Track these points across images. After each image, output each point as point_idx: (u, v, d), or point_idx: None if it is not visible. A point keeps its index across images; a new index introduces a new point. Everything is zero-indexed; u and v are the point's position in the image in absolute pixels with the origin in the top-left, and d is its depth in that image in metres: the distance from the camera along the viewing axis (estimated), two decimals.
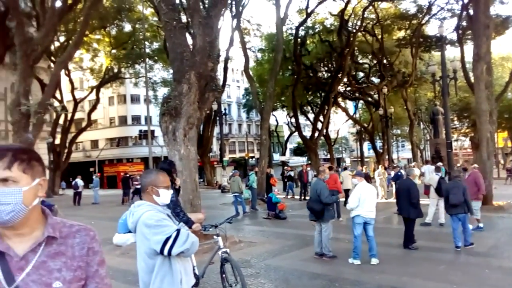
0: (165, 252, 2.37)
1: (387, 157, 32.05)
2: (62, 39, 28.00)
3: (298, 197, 20.27)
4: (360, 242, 7.09)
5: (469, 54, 18.25)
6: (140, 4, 28.23)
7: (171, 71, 32.24)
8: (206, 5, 12.71)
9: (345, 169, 19.60)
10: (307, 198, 19.47)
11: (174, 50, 9.98)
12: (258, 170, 18.49)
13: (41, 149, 22.70)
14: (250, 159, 46.76)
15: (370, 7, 29.06)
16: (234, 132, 60.13)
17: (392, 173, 17.64)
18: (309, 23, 30.51)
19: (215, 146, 47.86)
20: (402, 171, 16.76)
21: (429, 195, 11.02)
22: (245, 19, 30.82)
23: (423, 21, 28.77)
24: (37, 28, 23.59)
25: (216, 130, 37.31)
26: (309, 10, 27.74)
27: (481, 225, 9.95)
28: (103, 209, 19.00)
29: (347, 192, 16.46)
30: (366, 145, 54.41)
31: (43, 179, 1.34)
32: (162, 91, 35.28)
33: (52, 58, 27.28)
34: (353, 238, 7.20)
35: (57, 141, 31.39)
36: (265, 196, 17.81)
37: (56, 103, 24.32)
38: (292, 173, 24.72)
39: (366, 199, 7.06)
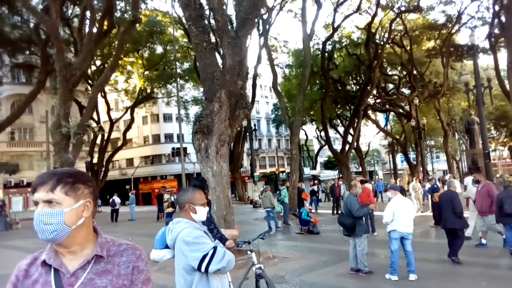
0: (202, 269, 2.43)
1: (421, 169, 31.21)
2: (98, 62, 29.32)
3: (329, 211, 20.06)
4: (397, 257, 6.94)
5: (503, 61, 17.75)
6: (171, 27, 29.31)
7: (202, 90, 33.07)
8: (235, 26, 13.09)
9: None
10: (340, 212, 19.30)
11: (205, 70, 10.30)
12: (289, 184, 18.48)
13: (80, 168, 23.55)
14: (281, 174, 46.68)
15: (398, 19, 28.83)
16: (264, 147, 60.35)
17: (427, 186, 17.17)
18: (335, 37, 30.59)
19: (246, 162, 48.17)
20: (438, 183, 16.28)
21: (469, 207, 10.67)
22: (272, 36, 31.34)
23: (453, 30, 28.22)
24: (74, 54, 24.96)
25: (246, 145, 37.66)
26: (335, 25, 27.86)
27: (484, 241, 9.55)
28: (140, 225, 19.45)
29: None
30: (399, 157, 53.20)
31: (88, 200, 1.41)
32: (193, 110, 36.12)
33: (89, 81, 28.58)
34: (390, 253, 7.08)
35: (95, 160, 32.64)
36: (297, 210, 17.77)
37: (94, 124, 25.36)
38: (315, 188, 24.45)
39: (402, 213, 6.90)
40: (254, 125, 34.28)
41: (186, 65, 33.56)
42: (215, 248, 2.47)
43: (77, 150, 15.73)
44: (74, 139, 15.08)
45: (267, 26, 25.04)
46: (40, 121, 33.94)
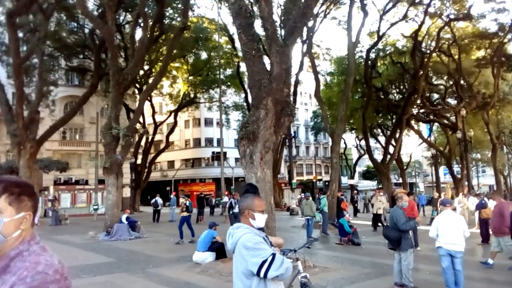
0: (261, 274, 2.48)
1: (466, 183, 29.90)
2: (145, 67, 30.49)
3: (368, 223, 19.67)
4: (450, 274, 6.61)
5: None
6: (216, 34, 30.02)
7: (243, 96, 33.55)
8: (283, 34, 13.26)
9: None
10: (380, 224, 18.85)
11: (252, 78, 10.51)
12: (329, 193, 18.34)
13: (125, 168, 24.61)
14: (318, 182, 46.26)
15: (446, 27, 27.95)
16: (302, 155, 60.07)
17: (472, 200, 16.48)
18: (380, 45, 30.09)
19: (283, 168, 48.16)
20: (486, 199, 15.58)
21: None
22: (315, 43, 31.27)
23: (505, 40, 26.97)
24: (124, 59, 26.14)
25: (284, 152, 37.69)
26: (380, 33, 27.42)
27: (490, 261, 9.11)
28: None
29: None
30: (442, 170, 51.20)
31: (29, 213, 1.39)
32: (234, 115, 36.71)
33: (137, 85, 29.76)
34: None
35: (139, 161, 33.84)
36: (336, 220, 17.57)
37: (139, 126, 26.35)
38: (343, 198, 24.04)
39: (447, 229, 6.62)
40: (294, 132, 34.25)
41: (228, 71, 34.18)
42: (274, 254, 2.52)
43: (125, 151, 16.44)
44: (123, 140, 15.79)
45: (311, 34, 25.07)
46: (90, 122, 35.71)
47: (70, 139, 36.99)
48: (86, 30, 26.23)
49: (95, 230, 16.30)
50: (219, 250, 9.88)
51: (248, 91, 29.59)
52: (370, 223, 19.40)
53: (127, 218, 15.47)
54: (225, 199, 24.11)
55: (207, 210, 26.62)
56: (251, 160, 9.98)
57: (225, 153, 30.84)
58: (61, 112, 32.84)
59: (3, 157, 32.49)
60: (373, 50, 29.09)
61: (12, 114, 20.98)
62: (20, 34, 21.92)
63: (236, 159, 46.43)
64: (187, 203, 14.14)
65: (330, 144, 37.25)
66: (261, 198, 3.07)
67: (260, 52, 11.02)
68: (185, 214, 13.83)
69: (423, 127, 46.83)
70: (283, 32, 13.72)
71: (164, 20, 20.90)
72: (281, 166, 42.22)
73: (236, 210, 14.76)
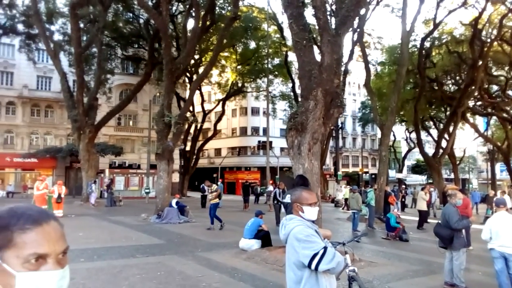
0: (312, 267, 2.50)
1: None
2: (196, 57, 31.18)
3: (417, 218, 19.05)
4: (504, 278, 6.30)
5: None
6: (265, 23, 29.99)
7: (290, 85, 33.38)
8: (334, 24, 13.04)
9: (422, 189, 18.31)
10: (429, 221, 18.23)
11: (303, 68, 10.46)
12: (376, 187, 17.98)
13: (175, 154, 25.51)
14: (364, 175, 45.29)
15: (510, 14, 26.02)
16: (348, 146, 58.97)
17: None
18: (435, 33, 28.64)
19: (328, 159, 47.61)
20: None
21: None
22: (366, 32, 30.33)
23: None
24: (176, 48, 26.88)
25: (329, 143, 37.21)
26: (437, 21, 26.07)
27: None
28: (226, 213, 20.37)
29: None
30: (498, 166, 48.24)
31: None
32: (281, 105, 36.68)
33: (187, 74, 30.53)
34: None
35: (187, 148, 34.92)
36: (382, 215, 17.22)
37: (188, 114, 27.13)
38: (391, 192, 23.29)
39: (502, 231, 6.27)
40: (341, 123, 33.69)
41: (276, 61, 34.11)
42: (325, 248, 2.52)
43: (176, 138, 17.04)
44: (174, 128, 16.37)
45: (363, 22, 24.34)
46: (143, 109, 37.40)
47: (125, 125, 38.94)
48: (141, 21, 27.29)
49: (146, 212, 17.13)
50: (264, 238, 10.06)
51: (296, 81, 29.53)
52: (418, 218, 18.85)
53: (177, 203, 16.12)
54: (270, 188, 24.33)
55: (251, 198, 26.98)
56: (299, 151, 9.99)
57: (271, 143, 31.00)
58: (117, 99, 34.67)
59: (64, 141, 34.86)
60: (428, 38, 27.76)
61: (73, 101, 22.43)
62: (81, 25, 23.18)
63: (282, 149, 46.49)
64: (219, 190, 14.49)
65: (378, 136, 36.28)
66: (312, 191, 3.09)
67: (311, 42, 10.92)
68: (215, 201, 14.00)
69: (480, 121, 44.27)
70: (333, 21, 13.51)
71: (215, 10, 21.20)
72: (327, 157, 41.76)
73: (286, 200, 14.74)
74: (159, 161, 16.59)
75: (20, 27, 26.52)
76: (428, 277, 8.13)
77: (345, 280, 5.64)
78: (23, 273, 0.86)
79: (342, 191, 26.53)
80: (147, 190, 25.97)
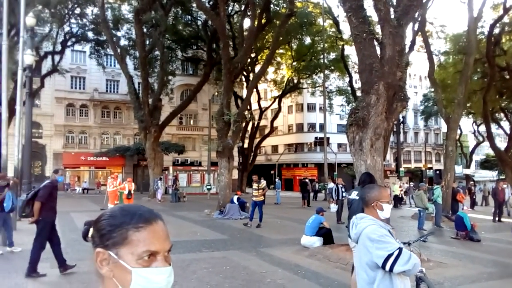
0: (387, 268, 2.42)
1: None
2: (252, 55, 31.54)
3: (489, 217, 17.85)
4: None
5: None
6: (320, 18, 29.56)
7: (347, 80, 32.61)
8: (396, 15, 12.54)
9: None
10: (503, 220, 17.02)
11: (363, 62, 10.19)
12: (443, 184, 17.08)
13: (234, 151, 26.02)
14: (428, 171, 43.12)
15: None
16: (410, 141, 56.40)
17: None
18: (506, 19, 26.41)
19: (389, 155, 45.97)
20: None
21: None
22: (428, 21, 28.75)
23: None
24: (233, 48, 27.39)
25: (390, 138, 35.79)
26: (507, 5, 24.03)
27: None
28: (285, 210, 20.53)
29: None
30: None
31: None
32: (337, 100, 36.01)
33: (244, 73, 31.00)
34: None
35: (245, 145, 35.53)
36: (449, 212, 16.35)
37: (246, 112, 27.58)
38: (459, 189, 21.74)
39: None
40: (403, 117, 32.33)
41: (332, 55, 33.50)
42: (400, 249, 2.44)
43: (236, 136, 17.40)
44: (234, 126, 16.72)
45: (425, 10, 23.11)
46: (202, 108, 38.74)
47: (186, 124, 40.60)
48: (199, 23, 28.15)
49: (209, 208, 17.72)
50: (326, 235, 9.98)
51: (354, 75, 28.80)
52: (490, 217, 17.64)
53: (238, 199, 16.50)
54: (330, 185, 24.05)
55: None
56: (361, 147, 9.78)
57: (328, 139, 30.56)
58: (178, 99, 36.21)
59: (132, 140, 37.09)
60: (498, 24, 25.67)
61: (139, 102, 23.76)
62: (144, 30, 24.46)
63: (339, 145, 45.65)
64: (266, 189, 14.08)
65: (443, 130, 34.31)
66: (387, 189, 3.03)
67: (371, 35, 10.61)
68: (261, 198, 13.40)
69: None
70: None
71: (270, 8, 21.30)
72: (387, 152, 40.33)
73: (352, 196, 14.35)
74: (220, 159, 17.06)
75: (90, 34, 28.60)
76: (505, 280, 7.63)
77: (412, 280, 5.46)
78: (138, 269, 0.90)
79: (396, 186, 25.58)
80: (208, 187, 26.83)
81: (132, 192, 16.36)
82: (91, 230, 0.99)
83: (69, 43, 28.81)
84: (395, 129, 32.32)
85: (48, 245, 6.68)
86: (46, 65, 28.41)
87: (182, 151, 35.03)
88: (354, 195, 6.00)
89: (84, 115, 36.63)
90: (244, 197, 24.45)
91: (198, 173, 33.36)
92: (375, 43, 10.65)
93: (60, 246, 6.81)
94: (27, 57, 12.70)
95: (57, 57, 27.89)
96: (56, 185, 6.99)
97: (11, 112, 15.06)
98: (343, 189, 15.94)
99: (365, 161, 9.70)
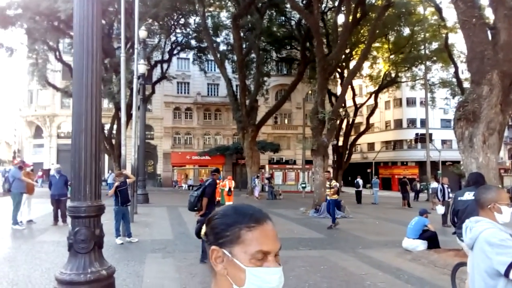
0: (511, 276, 2.20)
1: None
2: (346, 51, 30.83)
3: None
4: None
5: None
6: (420, 6, 27.66)
7: (452, 71, 30.03)
8: None
9: None
10: None
11: (473, 50, 9.34)
12: None
13: (328, 149, 25.82)
14: None
15: None
16: None
17: None
18: None
19: (502, 152, 41.08)
20: None
21: None
22: None
23: None
24: (327, 45, 27.11)
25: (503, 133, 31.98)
26: None
27: None
28: (384, 210, 19.69)
29: None
30: None
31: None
32: (440, 93, 33.35)
33: (338, 69, 30.47)
34: None
35: (339, 143, 34.89)
36: None
37: (340, 109, 27.11)
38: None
39: None
40: None
41: (434, 45, 31.15)
42: None
43: (330, 134, 17.23)
44: (328, 124, 16.57)
45: None
46: (296, 107, 39.24)
47: (281, 123, 41.50)
48: (293, 23, 28.44)
49: (304, 206, 17.81)
50: (431, 239, 9.37)
51: (460, 65, 26.37)
52: None
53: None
54: (433, 184, 22.41)
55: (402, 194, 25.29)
56: (470, 143, 8.99)
57: (430, 135, 28.62)
58: (273, 99, 37.10)
59: (231, 140, 39.15)
60: None
61: (237, 104, 24.95)
62: (241, 34, 25.57)
63: (443, 141, 42.25)
64: (338, 185, 13.53)
65: None
66: (505, 191, 2.76)
67: (482, 19, 9.69)
68: (334, 197, 12.93)
69: None
70: None
71: (365, 1, 20.61)
72: (501, 149, 36.08)
73: (465, 197, 13.18)
74: (314, 157, 17.05)
75: (193, 42, 30.92)
76: None
77: None
78: (252, 268, 0.91)
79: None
80: (303, 185, 26.98)
81: (232, 189, 17.20)
82: (203, 228, 1.02)
83: (175, 52, 31.55)
84: (510, 123, 28.81)
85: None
86: (156, 73, 31.37)
87: (277, 149, 35.82)
88: (467, 196, 5.55)
89: (189, 118, 39.71)
90: (339, 196, 24.11)
91: (293, 171, 33.78)
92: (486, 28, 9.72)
93: None
94: (140, 67, 14.23)
95: (165, 65, 30.74)
96: (216, 183, 8.16)
97: (128, 117, 16.93)
98: (449, 190, 14.73)
99: (476, 158, 8.90)
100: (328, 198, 13.14)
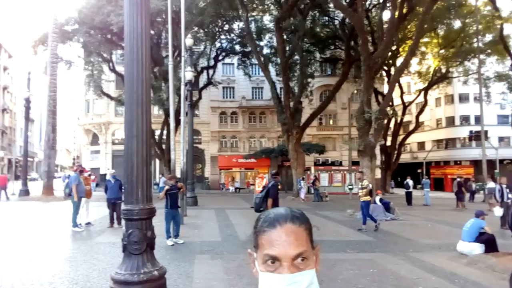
0: None
1: None
2: (392, 48, 29.95)
3: None
4: None
5: None
6: None
7: (508, 63, 28.33)
8: None
9: None
10: None
11: None
12: None
13: (376, 150, 25.18)
14: None
15: None
16: None
17: None
18: None
19: None
20: None
21: None
22: None
23: None
24: (372, 43, 26.52)
25: None
26: None
27: None
28: (436, 212, 18.89)
29: None
30: None
31: None
32: (496, 87, 31.50)
33: (384, 67, 29.69)
34: None
35: (388, 143, 33.91)
36: None
37: (388, 108, 26.37)
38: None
39: None
40: None
41: (488, 37, 29.47)
42: None
43: (378, 134, 16.84)
44: (375, 123, 16.19)
45: None
46: (341, 107, 38.70)
47: (326, 124, 41.18)
48: (336, 22, 28.10)
49: (352, 208, 17.47)
50: (488, 242, 8.90)
51: None
52: None
53: (380, 200, 15.89)
54: (490, 184, 21.15)
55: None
56: None
57: (486, 132, 27.10)
58: (317, 100, 36.84)
59: (276, 142, 39.34)
60: None
61: (282, 106, 25.03)
62: (284, 36, 25.66)
63: (500, 138, 39.93)
64: (370, 186, 12.80)
65: None
66: None
67: None
68: (366, 198, 12.29)
69: None
70: None
71: None
72: None
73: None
74: (361, 158, 16.73)
75: (237, 47, 31.47)
76: None
77: None
78: (263, 273, 0.91)
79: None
80: (350, 187, 26.51)
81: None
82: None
83: (220, 57, 32.27)
84: None
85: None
86: (202, 79, 32.23)
87: (322, 151, 35.47)
88: None
89: (234, 121, 40.44)
90: (389, 197, 23.43)
91: (339, 173, 33.31)
92: None
93: None
94: (187, 74, 14.73)
95: (211, 71, 31.56)
96: (278, 185, 8.74)
97: (177, 122, 17.56)
98: (507, 190, 13.86)
99: None
100: (360, 200, 12.51)
